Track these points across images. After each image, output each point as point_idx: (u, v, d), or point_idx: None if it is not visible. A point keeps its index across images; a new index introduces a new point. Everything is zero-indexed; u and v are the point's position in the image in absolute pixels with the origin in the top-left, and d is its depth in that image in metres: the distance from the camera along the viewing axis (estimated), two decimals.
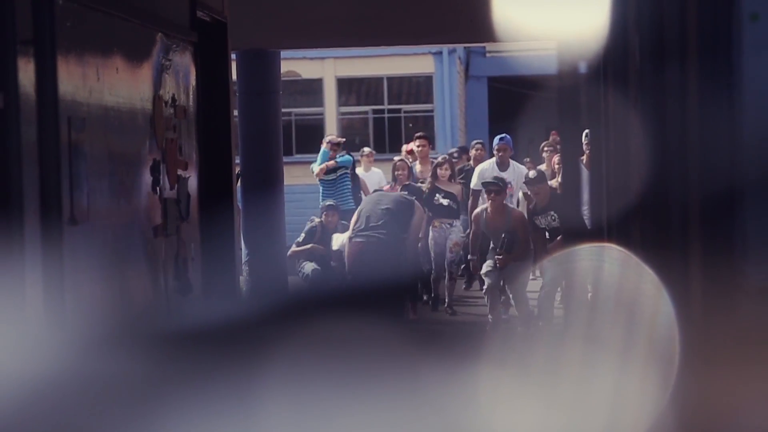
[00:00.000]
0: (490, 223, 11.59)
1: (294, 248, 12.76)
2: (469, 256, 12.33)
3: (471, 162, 14.61)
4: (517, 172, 13.12)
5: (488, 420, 3.97)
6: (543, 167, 13.32)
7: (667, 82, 3.30)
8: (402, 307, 11.51)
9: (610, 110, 4.01)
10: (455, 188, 13.00)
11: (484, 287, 11.59)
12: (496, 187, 11.66)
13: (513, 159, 13.58)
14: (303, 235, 12.98)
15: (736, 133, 3.11)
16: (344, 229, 12.29)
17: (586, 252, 3.88)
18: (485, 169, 13.06)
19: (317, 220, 13.23)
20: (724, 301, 3.14)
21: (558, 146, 11.87)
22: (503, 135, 13.47)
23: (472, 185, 13.11)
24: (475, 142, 15.53)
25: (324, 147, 14.14)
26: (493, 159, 13.31)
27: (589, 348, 3.54)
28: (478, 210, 11.98)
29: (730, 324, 3.09)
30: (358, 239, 11.07)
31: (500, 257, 11.30)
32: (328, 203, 13.51)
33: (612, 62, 3.93)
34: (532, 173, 11.74)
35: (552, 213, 11.17)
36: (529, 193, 12.09)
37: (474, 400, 4.24)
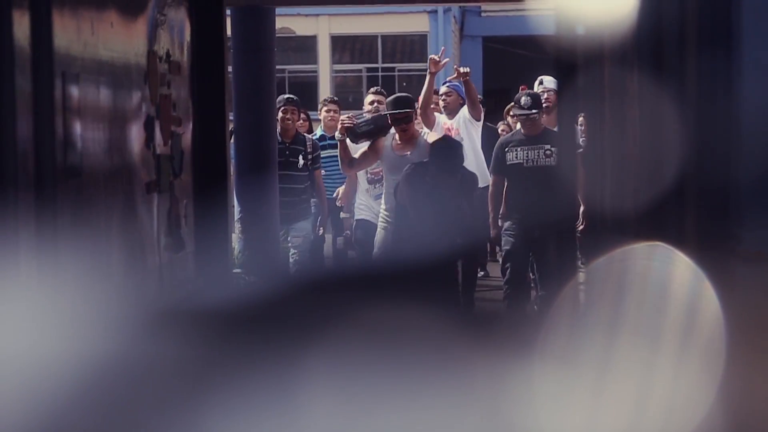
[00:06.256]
0: (396, 155, 9.33)
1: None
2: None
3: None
4: (462, 116, 11.17)
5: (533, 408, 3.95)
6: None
7: (667, 65, 3.31)
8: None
9: (607, 91, 4.01)
10: None
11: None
12: (404, 114, 9.23)
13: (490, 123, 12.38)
14: None
15: (733, 107, 3.12)
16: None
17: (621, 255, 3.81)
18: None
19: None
20: (719, 266, 3.15)
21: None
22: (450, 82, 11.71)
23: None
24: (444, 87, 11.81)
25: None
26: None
27: (630, 338, 3.54)
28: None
29: (724, 289, 3.10)
30: None
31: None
32: (287, 96, 11.26)
33: (611, 46, 3.93)
34: (524, 100, 9.67)
35: (547, 146, 9.33)
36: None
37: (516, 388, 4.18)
